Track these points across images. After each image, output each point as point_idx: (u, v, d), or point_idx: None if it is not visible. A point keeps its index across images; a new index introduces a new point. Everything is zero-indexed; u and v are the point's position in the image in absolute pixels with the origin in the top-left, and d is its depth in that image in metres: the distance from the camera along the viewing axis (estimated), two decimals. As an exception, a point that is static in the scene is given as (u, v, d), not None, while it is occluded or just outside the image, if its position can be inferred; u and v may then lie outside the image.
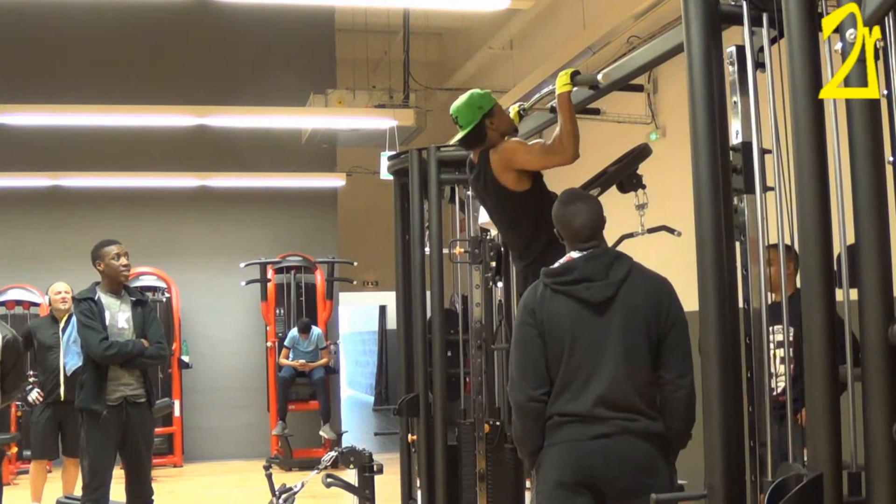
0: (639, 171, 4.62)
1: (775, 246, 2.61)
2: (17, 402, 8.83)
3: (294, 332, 10.17)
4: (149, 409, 5.34)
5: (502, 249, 4.84)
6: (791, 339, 2.53)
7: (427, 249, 5.28)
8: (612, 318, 3.03)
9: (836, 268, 2.23)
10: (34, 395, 7.03)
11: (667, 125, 8.05)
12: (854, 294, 2.18)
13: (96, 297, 5.26)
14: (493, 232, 4.89)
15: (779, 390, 2.76)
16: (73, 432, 6.07)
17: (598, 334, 3.02)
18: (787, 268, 2.61)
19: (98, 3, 9.92)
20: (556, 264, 3.20)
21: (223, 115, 9.05)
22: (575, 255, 3.17)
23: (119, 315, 5.29)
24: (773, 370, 2.73)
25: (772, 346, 2.65)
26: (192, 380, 10.45)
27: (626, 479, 2.93)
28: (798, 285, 2.46)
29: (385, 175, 6.45)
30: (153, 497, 5.42)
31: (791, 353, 2.55)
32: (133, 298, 5.39)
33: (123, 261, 5.30)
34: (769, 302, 2.63)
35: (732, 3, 2.58)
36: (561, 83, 3.67)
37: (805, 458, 2.43)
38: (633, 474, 2.93)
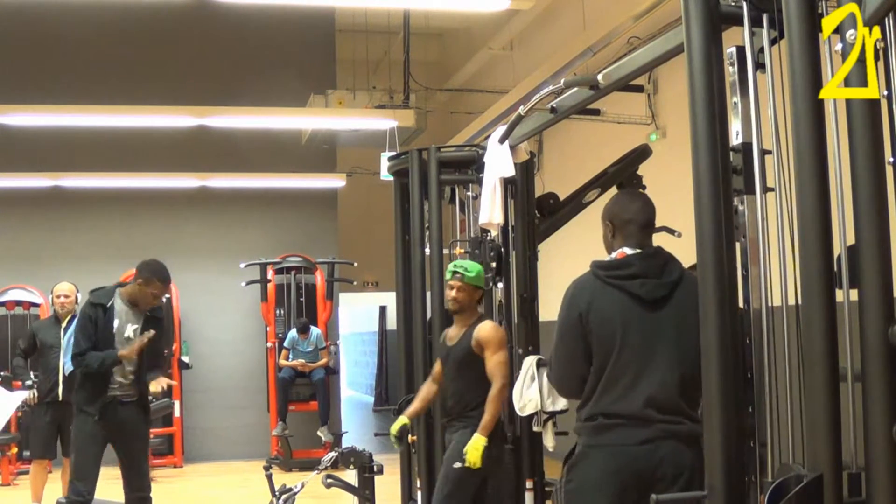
0: (639, 172, 4.63)
1: None
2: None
3: (293, 332, 10.16)
4: (140, 407, 5.37)
5: (502, 250, 4.85)
6: None
7: (427, 250, 5.28)
8: (665, 319, 2.97)
9: (836, 268, 2.23)
10: (29, 395, 7.01)
11: (667, 126, 8.06)
12: (854, 294, 2.18)
13: (109, 304, 5.28)
14: (494, 232, 4.88)
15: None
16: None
17: (649, 333, 2.97)
18: None
19: (98, 4, 9.92)
20: (610, 258, 3.13)
21: (223, 115, 9.04)
22: (628, 251, 3.09)
23: (128, 325, 5.32)
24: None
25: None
26: (192, 380, 10.44)
27: (668, 482, 2.89)
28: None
29: (385, 175, 6.45)
30: (151, 493, 5.42)
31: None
32: (148, 313, 5.41)
33: (158, 301, 5.41)
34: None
35: (732, 3, 2.58)
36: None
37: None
38: (675, 478, 2.89)
